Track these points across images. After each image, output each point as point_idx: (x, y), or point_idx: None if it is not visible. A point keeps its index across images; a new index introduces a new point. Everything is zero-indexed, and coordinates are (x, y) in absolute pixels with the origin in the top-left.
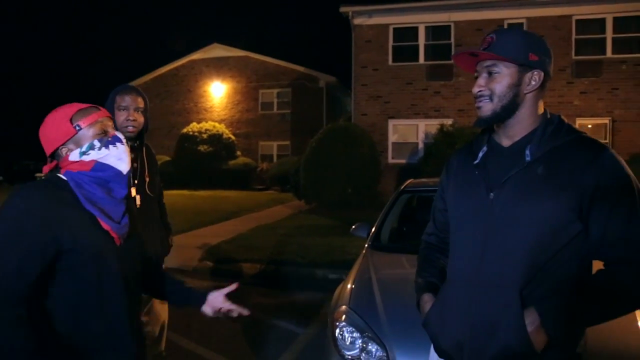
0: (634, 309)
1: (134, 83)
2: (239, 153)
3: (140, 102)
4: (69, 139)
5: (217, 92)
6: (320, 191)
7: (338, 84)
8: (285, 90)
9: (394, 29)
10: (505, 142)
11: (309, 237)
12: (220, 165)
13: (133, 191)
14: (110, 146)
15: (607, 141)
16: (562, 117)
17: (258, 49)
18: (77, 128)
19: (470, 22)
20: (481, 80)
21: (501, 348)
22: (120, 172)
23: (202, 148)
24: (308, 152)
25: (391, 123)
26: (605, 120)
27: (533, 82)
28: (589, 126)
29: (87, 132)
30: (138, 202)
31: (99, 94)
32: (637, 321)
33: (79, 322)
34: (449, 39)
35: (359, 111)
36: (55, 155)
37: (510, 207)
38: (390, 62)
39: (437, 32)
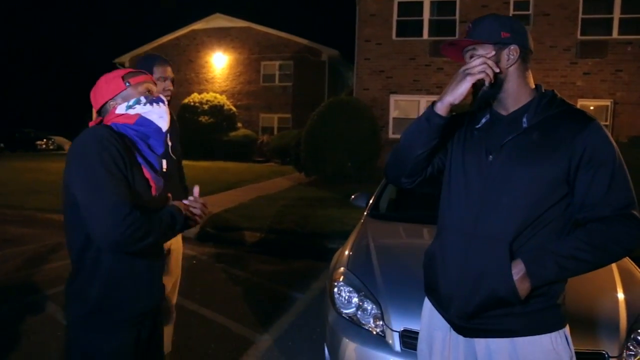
0: (609, 262)
1: (135, 52)
2: (239, 125)
3: (172, 73)
4: (118, 94)
5: (219, 63)
6: (320, 164)
7: (341, 58)
8: (287, 63)
9: (399, 3)
10: (503, 112)
11: (308, 208)
12: (220, 136)
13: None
14: (154, 104)
15: (607, 123)
16: (555, 91)
17: (261, 20)
18: (127, 84)
19: (477, 0)
20: None
21: (488, 294)
22: (160, 129)
23: (202, 119)
24: (309, 125)
25: (393, 98)
26: (607, 102)
27: (511, 57)
28: (591, 108)
29: (135, 89)
30: (164, 166)
31: (99, 62)
32: (613, 274)
33: None
34: (454, 14)
35: (361, 85)
36: (102, 110)
37: (507, 169)
38: (394, 36)
39: (442, 7)
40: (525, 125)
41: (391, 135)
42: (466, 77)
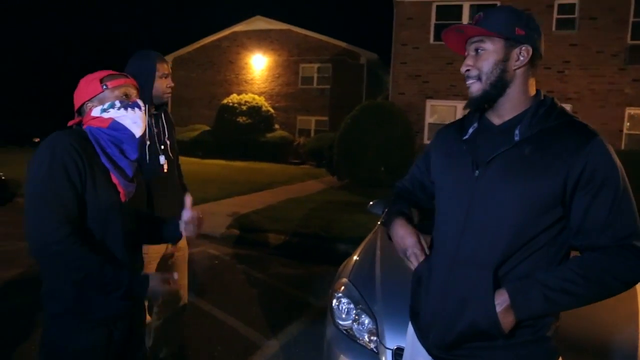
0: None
1: (178, 53)
2: (277, 126)
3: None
4: (95, 96)
5: (258, 64)
6: (352, 168)
7: (379, 61)
8: (325, 66)
9: (437, 6)
10: (496, 121)
11: (336, 213)
12: (257, 137)
13: (161, 158)
14: (129, 109)
15: None
16: (555, 99)
17: (300, 23)
18: (104, 87)
19: (518, 2)
20: (469, 59)
21: (468, 325)
22: (133, 135)
23: (240, 119)
24: (342, 129)
25: (429, 103)
26: None
27: (522, 58)
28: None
29: (112, 93)
30: (165, 167)
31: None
32: (638, 301)
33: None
34: None
35: (397, 90)
36: (80, 111)
37: (493, 186)
38: (431, 40)
39: (483, 10)
40: (517, 138)
41: (426, 141)
42: (406, 255)
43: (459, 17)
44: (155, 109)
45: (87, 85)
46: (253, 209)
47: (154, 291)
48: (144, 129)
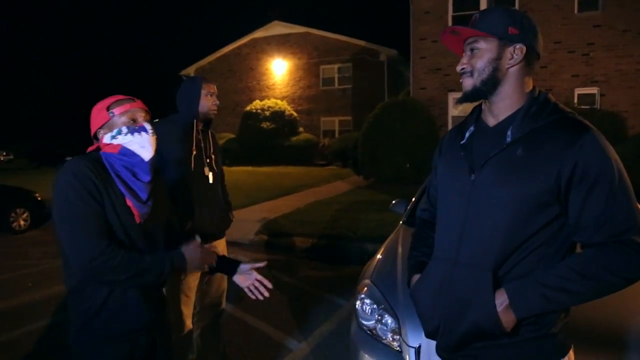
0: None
1: (200, 64)
2: (301, 129)
3: (216, 89)
4: (104, 124)
5: (279, 69)
6: (377, 167)
7: (399, 57)
8: (346, 65)
9: None
10: (491, 122)
11: (362, 213)
12: (282, 141)
13: (206, 170)
14: (135, 134)
15: None
16: (550, 95)
17: (318, 25)
18: (111, 115)
19: None
20: (464, 58)
21: (471, 326)
22: (142, 159)
23: (265, 125)
24: (365, 128)
25: (451, 96)
26: None
27: (515, 57)
28: None
29: (119, 119)
30: (211, 179)
31: (169, 74)
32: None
33: None
34: (514, 6)
35: (418, 85)
36: (96, 137)
37: (488, 189)
38: None
39: (500, 1)
40: (509, 139)
41: None
42: None
43: (477, 7)
44: (204, 126)
45: (97, 114)
46: (281, 214)
47: (193, 259)
48: (153, 152)
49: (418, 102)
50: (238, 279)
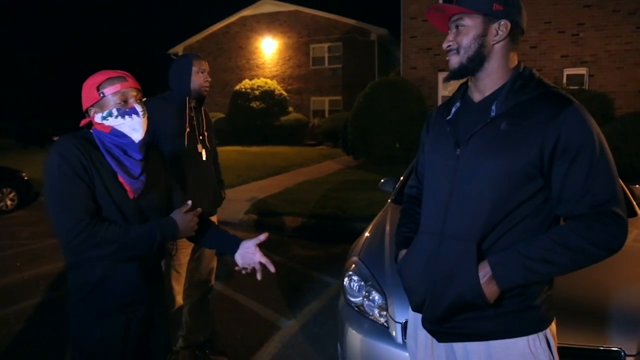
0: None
1: (188, 42)
2: (290, 109)
3: (207, 66)
4: (95, 103)
5: (269, 48)
6: (367, 146)
7: (390, 36)
8: (336, 45)
9: None
10: (477, 97)
11: (352, 192)
12: (272, 121)
13: (199, 147)
14: (126, 116)
15: None
16: (534, 71)
17: (308, 3)
18: (102, 95)
19: None
20: (450, 36)
21: (455, 298)
22: (132, 141)
23: (254, 105)
24: (355, 108)
25: (441, 76)
26: None
27: (500, 33)
28: None
29: (111, 99)
30: (204, 156)
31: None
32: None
33: None
34: None
35: (408, 64)
36: (87, 113)
37: (473, 163)
38: None
39: None
40: (493, 114)
41: None
42: None
43: None
44: (196, 103)
45: (88, 92)
46: (270, 194)
47: (184, 224)
48: (143, 133)
49: (408, 82)
50: (238, 257)
